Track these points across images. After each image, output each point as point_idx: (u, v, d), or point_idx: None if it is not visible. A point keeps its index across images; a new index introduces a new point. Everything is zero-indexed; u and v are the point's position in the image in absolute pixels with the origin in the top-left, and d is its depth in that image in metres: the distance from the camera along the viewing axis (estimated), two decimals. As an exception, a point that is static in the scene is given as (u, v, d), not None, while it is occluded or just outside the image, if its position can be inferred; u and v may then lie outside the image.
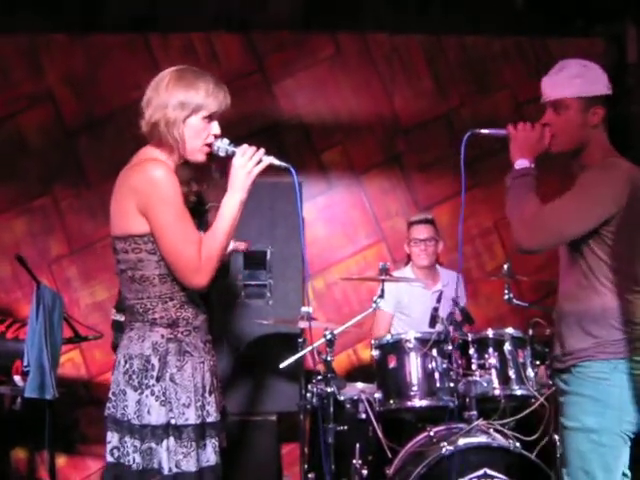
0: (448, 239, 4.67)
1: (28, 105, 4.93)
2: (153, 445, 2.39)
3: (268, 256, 4.37)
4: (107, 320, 4.39)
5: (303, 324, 3.79)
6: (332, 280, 5.00)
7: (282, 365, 3.56)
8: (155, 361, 2.43)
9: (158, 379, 2.42)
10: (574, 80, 2.69)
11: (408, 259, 4.65)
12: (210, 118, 2.51)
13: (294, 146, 4.95)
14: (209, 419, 2.48)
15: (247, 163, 2.50)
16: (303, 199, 4.51)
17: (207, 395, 2.49)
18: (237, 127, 4.79)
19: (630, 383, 2.58)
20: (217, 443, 2.50)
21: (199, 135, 2.51)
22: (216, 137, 2.54)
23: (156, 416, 2.40)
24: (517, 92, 5.12)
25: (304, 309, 3.80)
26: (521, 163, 2.73)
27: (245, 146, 2.54)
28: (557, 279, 4.40)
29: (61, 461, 4.73)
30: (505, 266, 4.05)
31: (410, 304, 4.44)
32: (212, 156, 2.58)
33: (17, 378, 3.77)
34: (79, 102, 4.94)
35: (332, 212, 5.06)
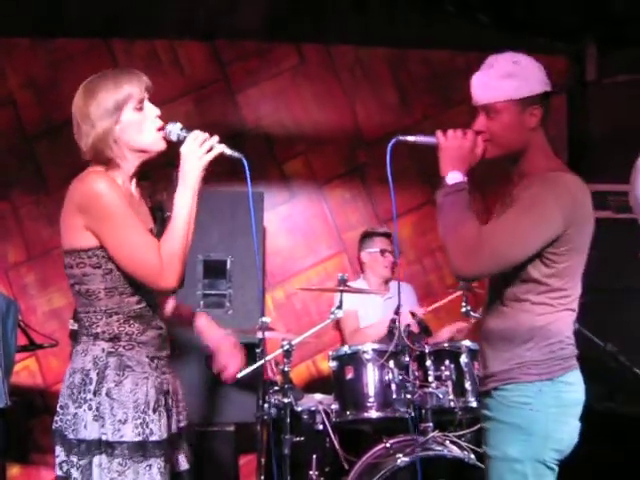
0: (409, 251, 4.70)
1: (-12, 109, 4.88)
2: (88, 461, 2.32)
3: (228, 265, 4.36)
4: (64, 328, 4.34)
5: (262, 334, 3.78)
6: (292, 290, 5.00)
7: (239, 375, 3.54)
8: (94, 375, 2.36)
9: (95, 393, 2.34)
10: (505, 81, 2.43)
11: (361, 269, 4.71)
12: (140, 104, 2.40)
13: (256, 156, 4.95)
14: (152, 437, 2.35)
15: (198, 149, 2.39)
16: (265, 209, 4.53)
17: (150, 412, 2.37)
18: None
19: (556, 408, 2.36)
20: (163, 463, 2.37)
21: (141, 127, 2.41)
22: (166, 122, 2.43)
23: (89, 431, 2.32)
24: (479, 107, 5.17)
25: (263, 319, 3.80)
26: (453, 177, 2.46)
27: (197, 132, 2.42)
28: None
29: (14, 471, 4.65)
30: (463, 279, 4.08)
31: (366, 315, 4.46)
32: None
33: (-31, 386, 3.71)
34: (40, 107, 4.90)
35: (294, 222, 5.07)
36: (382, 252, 4.59)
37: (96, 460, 2.32)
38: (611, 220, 4.55)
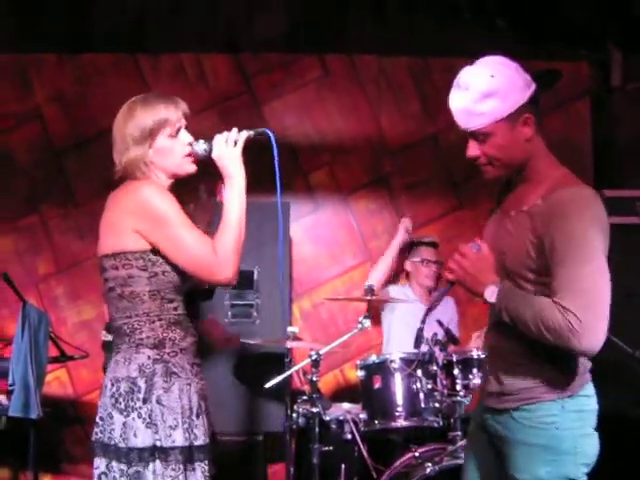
0: (434, 259, 4.69)
1: (16, 124, 4.95)
2: (140, 469, 2.35)
3: (255, 276, 4.39)
4: (94, 339, 4.39)
5: (289, 344, 3.79)
6: (319, 300, 5.01)
7: (267, 385, 3.56)
8: (141, 383, 2.40)
9: (144, 401, 2.38)
10: (486, 103, 2.23)
11: (406, 277, 4.76)
12: (175, 132, 2.52)
13: (282, 167, 4.96)
14: (197, 442, 2.42)
15: (226, 148, 2.50)
16: (290, 219, 4.56)
17: (194, 418, 2.44)
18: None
19: (580, 422, 2.28)
20: (206, 467, 2.45)
21: (172, 153, 2.51)
22: (190, 144, 2.54)
23: (142, 438, 2.35)
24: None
25: (290, 329, 3.82)
26: (490, 294, 2.23)
27: (218, 136, 2.53)
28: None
29: (46, 481, 4.71)
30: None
31: (407, 321, 4.41)
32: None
33: (2, 397, 3.75)
34: (67, 121, 4.97)
35: (319, 232, 5.08)
36: (423, 262, 4.61)
37: (150, 467, 2.36)
38: (638, 226, 4.53)
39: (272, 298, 4.37)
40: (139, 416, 2.37)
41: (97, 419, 2.45)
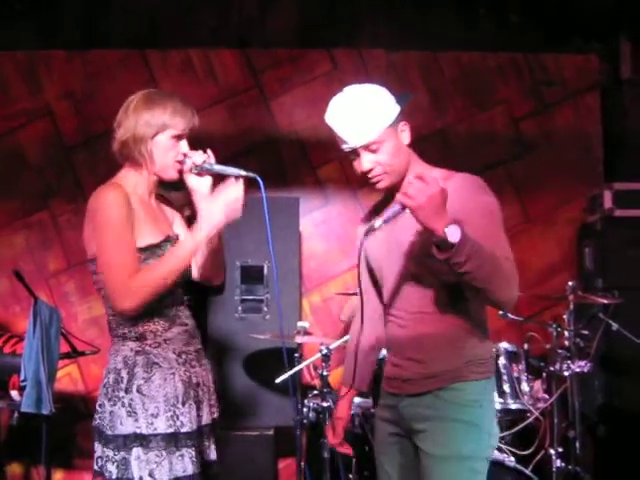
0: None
1: (27, 121, 4.97)
2: (125, 455, 2.46)
3: (265, 271, 4.40)
4: (104, 335, 4.35)
5: (299, 339, 3.80)
6: (329, 295, 5.01)
7: (278, 380, 3.57)
8: (124, 374, 2.52)
9: (126, 390, 2.50)
10: (375, 114, 2.44)
11: None
12: (179, 137, 2.60)
13: (291, 161, 4.98)
14: (183, 429, 2.51)
15: (211, 205, 2.52)
16: (300, 214, 4.56)
17: (180, 405, 2.53)
18: (235, 142, 4.89)
19: (493, 404, 2.50)
20: (194, 453, 2.53)
21: (167, 153, 2.59)
22: (186, 155, 2.62)
23: (125, 426, 2.47)
24: (513, 107, 5.15)
25: (300, 324, 3.82)
26: (452, 233, 2.14)
27: (216, 167, 2.61)
28: (553, 294, 4.44)
29: (58, 476, 4.73)
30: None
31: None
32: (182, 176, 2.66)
33: (14, 393, 3.77)
34: (77, 118, 4.98)
35: (329, 227, 5.08)
36: None
37: (134, 453, 2.46)
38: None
39: (282, 293, 4.36)
40: (123, 405, 2.49)
41: (97, 406, 2.57)
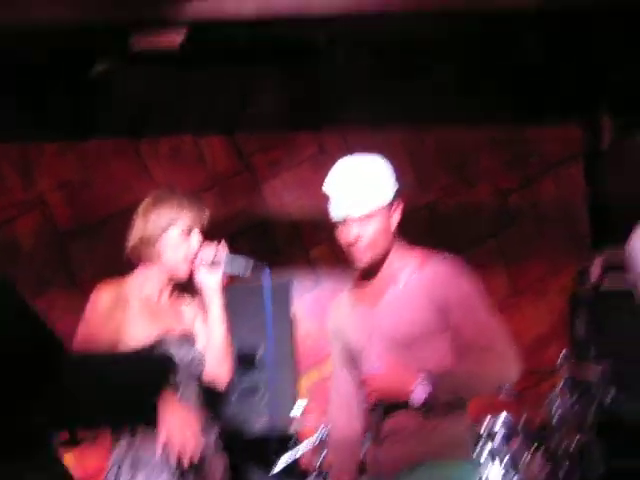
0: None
1: (20, 212, 5.02)
2: None
3: (259, 356, 4.40)
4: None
5: (294, 427, 3.77)
6: (327, 373, 4.99)
7: (276, 469, 3.56)
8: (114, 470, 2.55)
9: None
10: (375, 188, 2.44)
11: None
12: (188, 232, 2.62)
13: (284, 243, 5.03)
14: None
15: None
16: (293, 296, 4.58)
17: None
18: (226, 226, 4.93)
19: None
20: None
21: (177, 249, 2.62)
22: (197, 251, 2.66)
23: None
24: (498, 181, 5.24)
25: (297, 404, 3.81)
26: (419, 395, 2.27)
27: (227, 257, 2.67)
28: (546, 365, 4.43)
29: None
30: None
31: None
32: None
33: None
34: (71, 208, 5.03)
35: (321, 306, 5.09)
36: None
37: None
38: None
39: (278, 376, 4.36)
40: None
41: None
